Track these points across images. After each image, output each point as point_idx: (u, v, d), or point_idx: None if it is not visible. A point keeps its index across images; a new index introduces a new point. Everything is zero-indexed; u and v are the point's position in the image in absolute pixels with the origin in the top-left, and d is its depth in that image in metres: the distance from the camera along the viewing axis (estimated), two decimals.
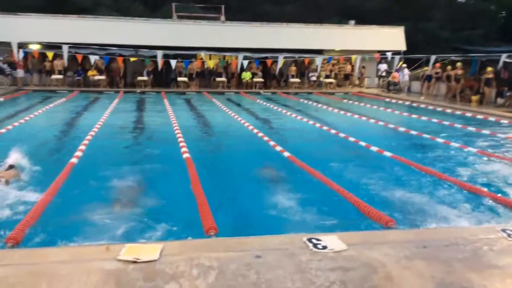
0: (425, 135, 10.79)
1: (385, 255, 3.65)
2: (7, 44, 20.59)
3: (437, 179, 6.92)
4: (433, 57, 21.20)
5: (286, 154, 8.33)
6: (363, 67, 26.50)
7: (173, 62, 22.20)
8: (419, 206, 5.73)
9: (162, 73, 24.61)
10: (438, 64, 21.74)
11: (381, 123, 13.20)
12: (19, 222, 4.44)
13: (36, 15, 23.53)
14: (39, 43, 22.76)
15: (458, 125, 12.75)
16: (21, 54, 20.69)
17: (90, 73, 23.22)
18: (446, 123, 13.24)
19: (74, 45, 21.79)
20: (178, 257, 3.52)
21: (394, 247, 3.82)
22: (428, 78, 22.36)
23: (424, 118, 14.38)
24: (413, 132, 11.32)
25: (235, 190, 6.65)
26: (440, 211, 5.54)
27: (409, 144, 10.06)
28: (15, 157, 7.25)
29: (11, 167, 6.84)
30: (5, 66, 22.14)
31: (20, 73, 22.25)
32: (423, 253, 3.72)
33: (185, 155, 8.04)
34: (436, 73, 21.46)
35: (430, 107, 17.82)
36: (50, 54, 21.39)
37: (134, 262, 3.40)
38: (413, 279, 3.27)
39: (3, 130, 10.22)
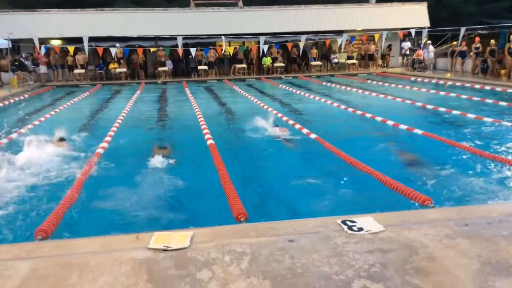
0: (455, 112, 10.43)
1: (425, 235, 3.48)
2: (29, 41, 20.83)
3: (473, 155, 6.65)
4: (462, 30, 20.24)
5: (313, 136, 8.16)
6: (388, 46, 25.79)
7: (192, 51, 22.09)
8: (456, 183, 5.50)
9: (182, 63, 24.59)
10: (477, 39, 20.72)
11: (408, 101, 12.85)
12: (49, 213, 4.43)
13: (56, 11, 23.72)
14: (60, 38, 22.97)
15: (489, 100, 12.29)
16: (43, 50, 20.89)
17: (111, 66, 23.35)
18: (477, 98, 12.80)
19: (94, 39, 21.88)
20: (209, 244, 3.42)
21: (434, 226, 3.64)
22: (462, 54, 20.91)
23: (452, 94, 13.94)
24: (442, 109, 10.97)
25: (263, 175, 6.53)
26: (479, 187, 5.31)
27: (439, 121, 9.75)
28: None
29: (61, 139, 8.31)
30: (28, 63, 22.43)
31: (43, 69, 22.53)
32: (466, 232, 3.53)
33: (209, 142, 7.95)
34: (476, 48, 20.28)
35: (458, 84, 17.28)
36: (71, 48, 21.54)
37: (165, 250, 3.32)
38: (457, 259, 3.09)
39: (29, 126, 10.31)
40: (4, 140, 8.69)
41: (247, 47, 24.70)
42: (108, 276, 2.98)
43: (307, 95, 15.67)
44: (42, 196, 5.49)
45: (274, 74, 24.33)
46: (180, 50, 21.98)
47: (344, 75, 23.66)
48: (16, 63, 21.46)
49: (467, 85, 16.69)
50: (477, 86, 16.02)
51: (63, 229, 4.33)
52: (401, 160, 6.87)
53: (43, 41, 20.77)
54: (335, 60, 25.67)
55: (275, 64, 24.53)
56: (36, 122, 10.95)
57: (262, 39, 21.75)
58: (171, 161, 7.26)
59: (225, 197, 4.86)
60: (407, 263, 3.04)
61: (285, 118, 10.35)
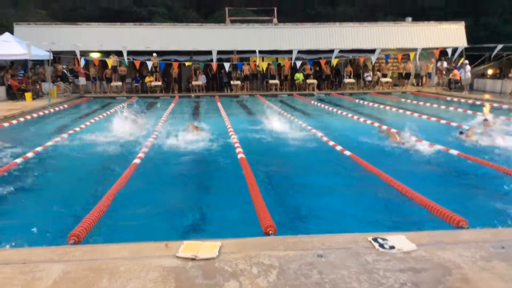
0: (493, 133, 10.11)
1: (459, 256, 3.38)
2: (70, 53, 21.56)
3: (509, 177, 6.42)
4: (499, 46, 19.52)
5: (347, 153, 8.09)
6: (427, 64, 25.28)
7: (226, 66, 22.36)
8: (493, 205, 5.33)
9: (216, 77, 24.91)
10: None
11: (443, 121, 12.56)
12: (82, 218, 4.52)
13: (96, 24, 24.59)
14: (99, 51, 23.69)
15: None
16: (83, 62, 21.57)
17: (147, 79, 23.88)
18: None
19: (131, 52, 22.43)
20: (237, 255, 3.42)
21: (469, 247, 3.53)
22: None
23: (490, 115, 13.54)
24: (479, 130, 10.66)
25: (293, 189, 6.49)
26: None
27: (476, 142, 9.45)
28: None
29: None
30: (68, 74, 23.20)
31: (82, 80, 23.27)
32: (502, 254, 3.41)
33: (240, 156, 7.97)
34: None
35: (496, 105, 16.81)
36: (109, 61, 22.15)
37: (193, 259, 3.33)
38: (493, 282, 2.98)
39: (64, 135, 10.60)
40: (39, 148, 8.99)
41: (279, 63, 24.80)
42: (136, 282, 3.01)
43: (339, 111, 15.58)
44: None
45: (306, 90, 24.32)
46: (214, 64, 22.29)
47: (378, 93, 23.41)
48: (60, 74, 22.34)
49: (505, 106, 16.22)
50: None
51: (94, 234, 4.40)
52: (436, 180, 6.71)
53: (82, 53, 21.45)
54: (369, 78, 25.46)
55: (308, 81, 24.53)
56: (77, 129, 11.34)
57: (294, 52, 21.74)
58: (201, 171, 7.35)
59: (254, 209, 4.85)
60: (440, 284, 2.95)
61: (319, 134, 10.30)
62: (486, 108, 12.48)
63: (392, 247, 3.51)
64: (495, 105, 16.83)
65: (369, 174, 6.69)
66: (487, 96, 19.78)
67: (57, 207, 5.58)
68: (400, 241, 3.63)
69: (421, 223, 4.85)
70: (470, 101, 18.44)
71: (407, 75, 25.75)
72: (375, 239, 3.65)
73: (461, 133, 10.21)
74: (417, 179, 6.63)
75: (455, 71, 23.21)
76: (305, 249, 3.52)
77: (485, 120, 11.72)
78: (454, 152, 8.11)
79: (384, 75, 25.63)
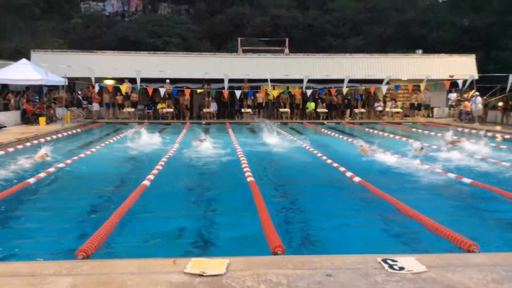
0: (504, 163, 10.05)
1: (469, 278, 3.33)
2: (85, 79, 21.97)
3: None
4: (511, 77, 19.54)
5: (357, 179, 8.07)
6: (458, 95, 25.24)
7: (237, 94, 22.59)
8: (504, 230, 5.26)
9: (227, 105, 25.15)
10: None
11: (455, 151, 12.47)
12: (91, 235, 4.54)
13: (111, 52, 25.16)
14: (113, 78, 24.12)
15: None
16: (97, 88, 21.92)
17: (159, 106, 24.20)
18: None
19: (144, 80, 22.76)
20: (245, 272, 3.40)
21: (480, 270, 3.48)
22: None
23: (503, 146, 13.47)
24: (491, 160, 10.60)
25: (303, 212, 6.49)
26: None
27: (489, 171, 9.40)
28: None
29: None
30: (82, 100, 23.60)
31: (95, 106, 23.65)
32: None
33: (249, 179, 7.99)
34: None
35: (507, 136, 16.71)
36: (123, 88, 22.49)
37: (201, 275, 3.33)
38: None
39: (75, 158, 10.73)
40: (51, 169, 9.10)
41: (290, 92, 25.00)
42: None
43: (350, 140, 15.60)
44: None
45: (317, 119, 24.43)
46: (225, 92, 22.52)
47: (388, 123, 23.42)
48: (74, 100, 22.81)
49: None
50: None
51: (102, 250, 4.41)
52: (447, 205, 6.67)
53: (97, 80, 21.84)
54: (379, 108, 25.54)
55: (318, 110, 24.66)
56: (88, 152, 11.45)
57: (305, 79, 21.87)
58: (211, 193, 7.39)
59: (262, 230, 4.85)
60: None
61: (329, 161, 10.30)
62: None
63: (401, 268, 3.47)
64: (507, 136, 16.73)
65: (381, 201, 6.65)
66: (498, 128, 19.68)
67: (66, 224, 5.62)
68: (410, 262, 3.59)
69: (431, 248, 4.79)
70: (481, 132, 18.31)
71: (419, 106, 25.71)
72: (384, 260, 3.62)
73: (421, 148, 11.89)
74: (428, 203, 6.60)
75: (466, 102, 23.19)
76: (314, 269, 3.49)
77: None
78: (467, 180, 8.06)
79: (393, 106, 25.72)
